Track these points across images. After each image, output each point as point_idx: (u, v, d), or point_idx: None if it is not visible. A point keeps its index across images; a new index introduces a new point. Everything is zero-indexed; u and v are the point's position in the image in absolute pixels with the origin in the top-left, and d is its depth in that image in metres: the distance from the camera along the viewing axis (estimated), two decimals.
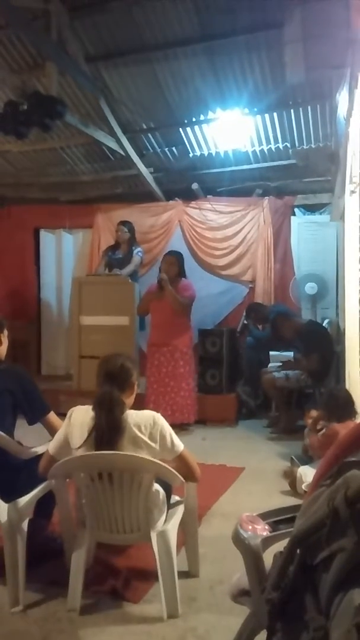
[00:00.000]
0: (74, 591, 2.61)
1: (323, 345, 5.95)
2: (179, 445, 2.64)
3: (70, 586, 2.62)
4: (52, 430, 2.97)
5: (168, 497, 2.77)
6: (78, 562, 2.63)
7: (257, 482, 4.45)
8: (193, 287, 6.01)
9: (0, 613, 2.61)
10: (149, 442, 2.54)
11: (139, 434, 2.53)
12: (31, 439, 3.07)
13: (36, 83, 6.09)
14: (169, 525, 2.67)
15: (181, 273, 6.00)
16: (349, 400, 3.96)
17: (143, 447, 2.53)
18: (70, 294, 7.20)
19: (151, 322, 6.14)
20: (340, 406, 3.92)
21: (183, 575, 2.81)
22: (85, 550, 2.66)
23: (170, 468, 2.59)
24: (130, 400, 2.70)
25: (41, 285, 8.54)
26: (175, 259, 6.02)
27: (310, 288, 7.06)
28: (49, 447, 2.71)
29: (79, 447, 2.56)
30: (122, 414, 2.54)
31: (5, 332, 3.05)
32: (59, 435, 2.69)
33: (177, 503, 2.87)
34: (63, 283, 8.29)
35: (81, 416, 2.62)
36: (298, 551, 1.09)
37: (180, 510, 2.82)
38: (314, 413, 4.40)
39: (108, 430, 2.51)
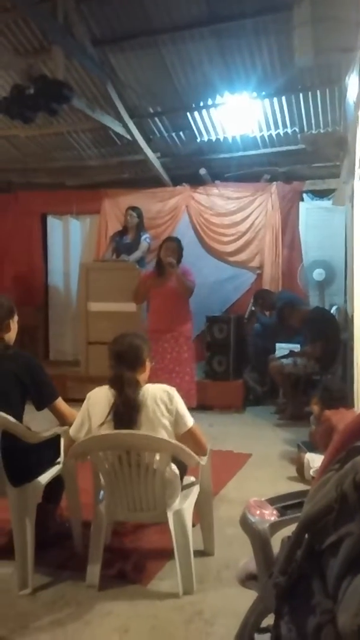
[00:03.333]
0: (93, 567, 2.67)
1: (329, 333, 5.93)
2: (190, 420, 2.74)
3: (90, 562, 2.68)
4: (60, 417, 2.98)
5: (181, 477, 2.81)
6: (98, 538, 2.69)
7: (264, 468, 4.47)
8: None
9: (9, 595, 2.64)
10: (165, 414, 2.64)
11: (157, 407, 2.63)
12: (40, 424, 3.09)
13: (42, 67, 6.05)
14: (185, 504, 2.73)
15: (180, 259, 5.92)
16: (342, 392, 4.04)
17: (160, 421, 2.63)
18: (77, 280, 7.20)
19: (151, 308, 6.00)
20: (334, 399, 4.01)
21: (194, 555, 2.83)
22: (104, 527, 2.72)
23: (186, 448, 2.63)
24: (144, 376, 2.79)
25: (49, 271, 8.54)
26: (176, 245, 5.93)
27: (318, 274, 7.03)
28: (70, 430, 2.78)
29: (101, 425, 2.64)
30: (136, 393, 2.63)
31: (15, 317, 3.04)
32: (78, 418, 2.77)
33: (192, 484, 2.92)
34: (70, 269, 8.30)
35: (100, 396, 2.71)
36: (306, 536, 1.09)
37: (195, 491, 2.87)
38: (316, 400, 4.42)
39: (125, 410, 2.61)
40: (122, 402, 2.62)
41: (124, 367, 2.69)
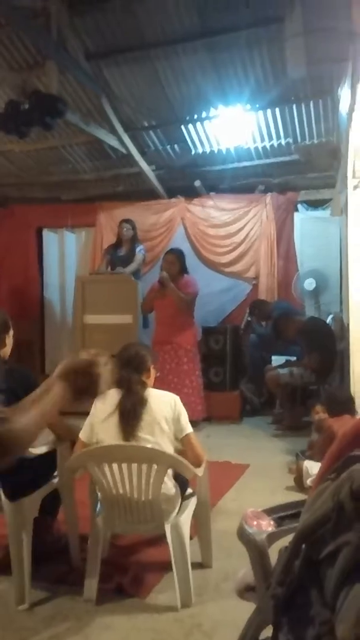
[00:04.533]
0: (90, 581, 2.66)
1: (324, 343, 5.93)
2: (188, 427, 2.79)
3: (87, 576, 2.66)
4: (57, 432, 2.96)
5: (183, 490, 2.81)
6: (95, 552, 2.69)
7: (261, 479, 4.45)
8: (196, 283, 6.01)
9: (7, 611, 2.62)
10: (167, 413, 2.71)
11: (160, 405, 2.72)
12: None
13: (36, 82, 6.06)
14: (182, 517, 2.73)
15: (182, 270, 5.99)
16: (348, 400, 4.03)
17: (163, 416, 2.70)
18: (73, 293, 7.20)
19: (155, 320, 6.15)
20: (339, 403, 4.00)
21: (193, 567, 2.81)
22: (101, 540, 2.73)
23: (184, 460, 2.64)
24: (148, 382, 2.87)
25: (44, 284, 8.54)
26: (175, 257, 6.02)
27: (309, 284, 7.03)
28: (80, 434, 2.83)
29: (105, 419, 2.70)
30: (143, 391, 2.74)
31: (11, 332, 3.03)
32: (87, 421, 2.82)
33: (190, 495, 2.92)
34: (66, 282, 8.30)
35: (106, 398, 2.75)
36: (303, 546, 1.09)
37: (192, 502, 2.87)
38: (319, 408, 4.40)
39: (131, 405, 2.68)
40: (129, 399, 2.69)
41: (130, 370, 2.79)
